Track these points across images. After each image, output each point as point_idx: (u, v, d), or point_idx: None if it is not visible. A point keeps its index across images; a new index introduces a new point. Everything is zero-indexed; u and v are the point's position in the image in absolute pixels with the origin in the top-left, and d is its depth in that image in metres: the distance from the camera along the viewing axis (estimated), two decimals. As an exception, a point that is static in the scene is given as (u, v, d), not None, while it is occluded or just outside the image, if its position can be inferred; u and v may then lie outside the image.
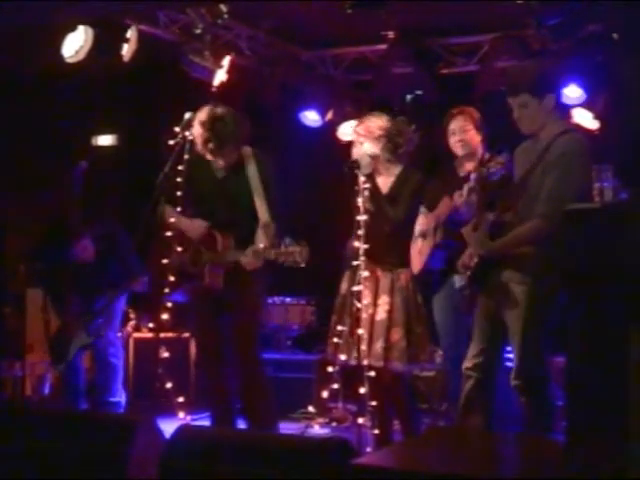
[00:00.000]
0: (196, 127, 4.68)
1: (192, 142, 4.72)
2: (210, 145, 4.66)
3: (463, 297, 4.45)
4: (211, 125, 4.66)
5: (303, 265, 4.49)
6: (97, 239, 6.35)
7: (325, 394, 5.18)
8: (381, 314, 4.68)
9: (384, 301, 4.70)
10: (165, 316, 4.56)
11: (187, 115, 4.74)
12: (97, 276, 6.34)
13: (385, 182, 4.83)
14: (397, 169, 4.85)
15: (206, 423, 5.14)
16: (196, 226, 4.77)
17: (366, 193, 4.66)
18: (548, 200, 4.05)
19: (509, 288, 4.15)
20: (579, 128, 6.67)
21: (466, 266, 4.31)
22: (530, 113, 4.20)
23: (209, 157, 4.73)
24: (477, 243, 4.21)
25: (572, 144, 4.15)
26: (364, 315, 4.59)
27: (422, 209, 4.94)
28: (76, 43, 6.19)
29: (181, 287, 4.79)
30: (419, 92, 7.05)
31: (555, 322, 4.19)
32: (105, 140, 8.50)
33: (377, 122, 4.82)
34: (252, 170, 4.75)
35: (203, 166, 4.77)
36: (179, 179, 4.60)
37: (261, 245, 4.54)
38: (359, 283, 4.59)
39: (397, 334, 4.64)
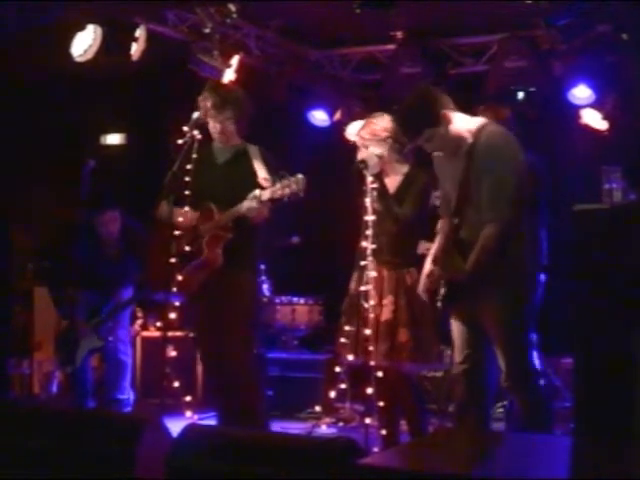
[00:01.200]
0: (202, 94, 4.81)
1: (200, 141, 4.73)
2: (210, 102, 4.72)
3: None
4: (215, 84, 4.96)
5: (302, 194, 4.47)
6: (122, 227, 6.42)
7: (332, 394, 5.19)
8: (386, 314, 4.68)
9: (389, 301, 4.69)
10: (172, 315, 4.56)
11: (195, 114, 4.75)
12: (114, 270, 6.37)
13: (392, 182, 4.83)
14: (404, 169, 4.85)
15: (213, 422, 5.14)
16: (189, 216, 4.73)
17: (374, 193, 4.66)
18: (490, 203, 4.04)
19: (483, 294, 4.13)
20: (588, 128, 6.69)
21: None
22: (439, 139, 4.19)
23: (209, 120, 4.74)
24: (454, 270, 4.18)
25: (492, 141, 4.13)
26: (371, 315, 4.59)
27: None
28: (85, 42, 6.20)
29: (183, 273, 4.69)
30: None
31: (534, 319, 4.19)
32: (113, 139, 8.52)
33: (381, 124, 4.80)
34: (254, 152, 4.80)
35: (206, 155, 4.79)
36: (187, 178, 4.60)
37: (256, 191, 4.54)
38: (367, 283, 4.59)
39: (404, 335, 4.64)
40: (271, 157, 4.82)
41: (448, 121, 4.15)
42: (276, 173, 4.64)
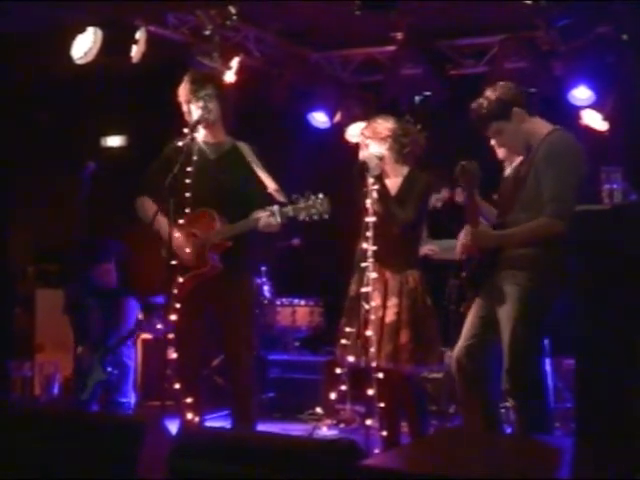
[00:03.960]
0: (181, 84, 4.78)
1: (206, 142, 4.72)
2: (190, 80, 4.70)
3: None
4: (193, 72, 4.94)
5: (326, 216, 4.43)
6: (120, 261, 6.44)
7: (333, 395, 5.17)
8: (390, 316, 4.68)
9: (393, 303, 4.70)
10: (173, 317, 4.54)
11: (195, 116, 4.73)
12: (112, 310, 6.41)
13: (393, 183, 4.83)
14: (404, 170, 4.86)
15: (215, 424, 5.13)
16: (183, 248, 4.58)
17: (374, 195, 4.67)
18: (552, 201, 4.04)
19: (502, 288, 4.15)
20: (588, 129, 6.69)
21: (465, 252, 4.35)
22: (507, 135, 4.25)
23: (191, 106, 4.68)
24: (480, 236, 4.21)
25: (557, 142, 4.16)
26: (372, 317, 4.59)
27: None
28: (85, 45, 6.21)
29: (176, 281, 4.51)
30: (428, 93, 7.05)
31: (549, 326, 4.19)
32: (114, 141, 8.52)
33: (383, 124, 4.85)
34: (246, 150, 4.74)
35: (195, 154, 4.66)
36: (188, 180, 4.58)
37: (275, 207, 4.45)
38: (367, 285, 4.59)
39: (406, 336, 4.64)
40: (260, 154, 4.77)
41: (520, 119, 4.21)
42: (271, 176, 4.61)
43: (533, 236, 4.12)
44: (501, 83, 4.37)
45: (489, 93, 4.28)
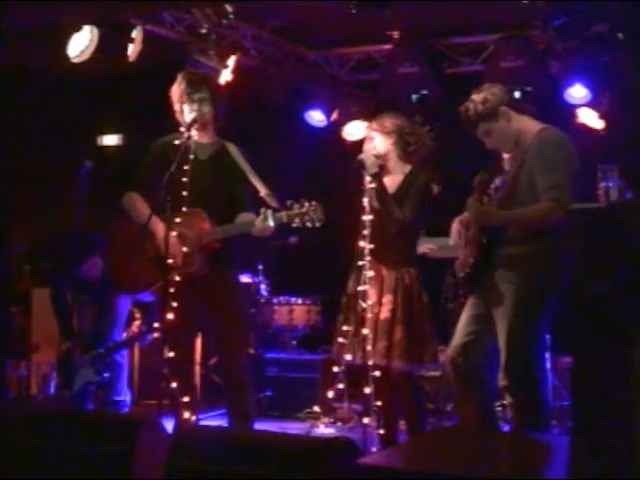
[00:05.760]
0: (176, 82, 4.80)
1: (197, 143, 4.72)
2: (185, 82, 4.69)
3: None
4: (188, 71, 5.00)
5: (319, 224, 4.41)
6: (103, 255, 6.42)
7: (330, 394, 5.18)
8: (385, 313, 4.68)
9: (388, 300, 4.70)
10: (170, 315, 4.53)
11: (192, 115, 4.72)
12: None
13: (393, 181, 4.84)
14: (406, 168, 4.86)
15: (212, 423, 5.13)
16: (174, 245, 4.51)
17: (372, 193, 4.67)
18: (551, 188, 4.04)
19: (497, 287, 4.16)
20: (584, 128, 6.70)
21: (463, 268, 4.34)
22: (496, 135, 4.26)
23: (185, 106, 4.68)
24: (482, 212, 4.22)
25: (549, 138, 4.17)
26: (369, 315, 4.59)
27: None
28: (81, 43, 6.20)
29: (161, 280, 4.48)
30: (424, 92, 7.05)
31: (546, 323, 4.20)
32: (110, 140, 8.51)
33: (391, 119, 4.86)
34: (234, 151, 4.73)
35: (186, 153, 4.62)
36: (185, 179, 4.57)
37: (268, 211, 4.43)
38: (364, 283, 4.60)
39: (399, 333, 4.64)
40: (249, 157, 4.77)
41: (507, 118, 4.21)
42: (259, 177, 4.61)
43: (535, 217, 4.11)
44: (486, 84, 4.38)
45: (475, 96, 4.29)
